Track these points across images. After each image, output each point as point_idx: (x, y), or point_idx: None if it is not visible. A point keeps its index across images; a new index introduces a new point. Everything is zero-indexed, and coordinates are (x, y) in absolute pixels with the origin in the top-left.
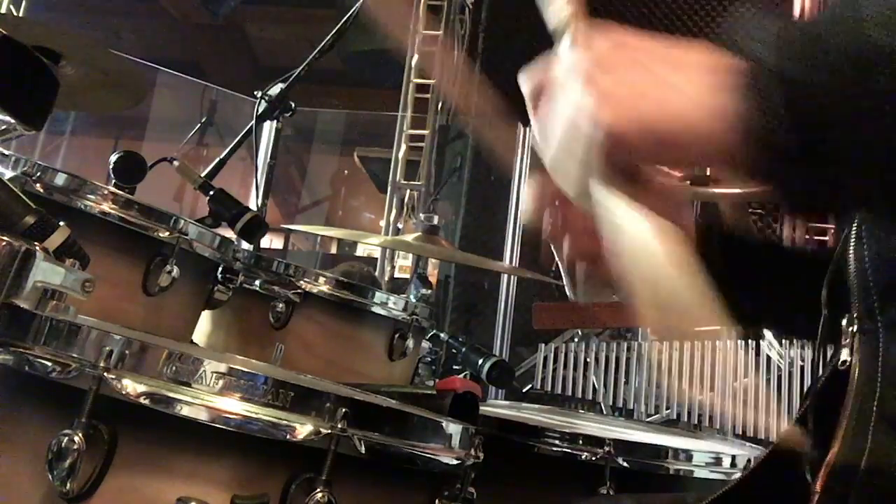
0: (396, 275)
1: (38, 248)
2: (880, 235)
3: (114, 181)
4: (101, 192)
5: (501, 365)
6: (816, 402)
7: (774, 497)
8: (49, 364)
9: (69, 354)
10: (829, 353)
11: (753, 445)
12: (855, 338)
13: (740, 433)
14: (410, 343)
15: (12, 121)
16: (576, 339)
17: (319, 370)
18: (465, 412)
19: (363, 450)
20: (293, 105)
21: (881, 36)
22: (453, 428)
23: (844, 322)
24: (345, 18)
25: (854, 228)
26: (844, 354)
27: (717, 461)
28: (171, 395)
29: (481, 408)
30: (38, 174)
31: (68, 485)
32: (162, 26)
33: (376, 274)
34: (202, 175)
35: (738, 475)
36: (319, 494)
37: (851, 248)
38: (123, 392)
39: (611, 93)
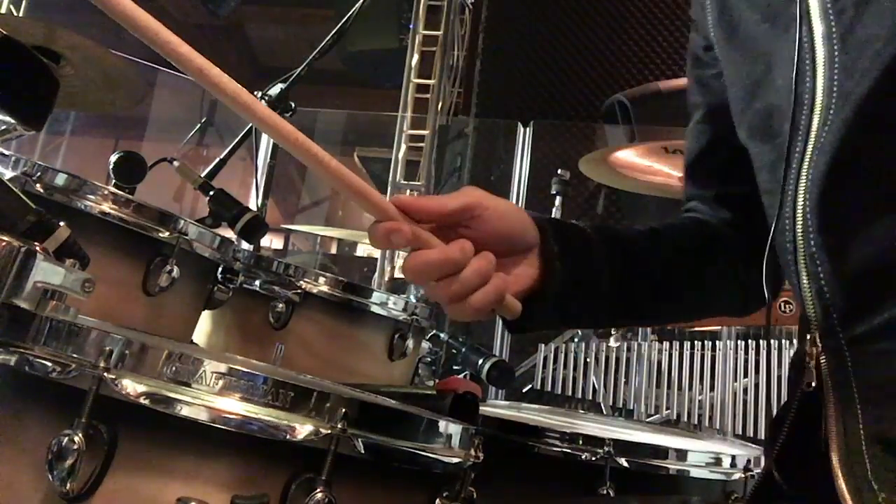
0: (396, 275)
1: (38, 248)
2: (835, 252)
3: (114, 181)
4: (101, 192)
5: (501, 365)
6: (791, 427)
7: None
8: (49, 364)
9: (69, 354)
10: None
11: (753, 445)
12: (820, 359)
13: (740, 433)
14: (410, 343)
15: (12, 121)
16: (576, 339)
17: (319, 370)
18: (465, 412)
19: (363, 450)
20: (293, 105)
21: None
22: (453, 428)
23: (807, 345)
24: (345, 18)
25: (802, 246)
26: (809, 376)
27: (717, 461)
28: (171, 395)
29: (481, 408)
30: (38, 174)
31: (68, 485)
32: None
33: (376, 274)
34: (202, 175)
35: (737, 475)
36: (319, 494)
37: (804, 267)
38: (123, 392)
39: None
